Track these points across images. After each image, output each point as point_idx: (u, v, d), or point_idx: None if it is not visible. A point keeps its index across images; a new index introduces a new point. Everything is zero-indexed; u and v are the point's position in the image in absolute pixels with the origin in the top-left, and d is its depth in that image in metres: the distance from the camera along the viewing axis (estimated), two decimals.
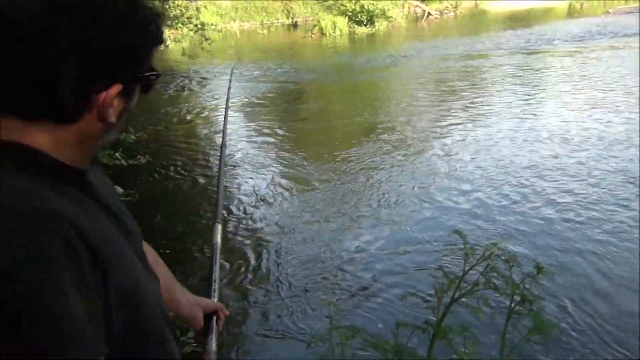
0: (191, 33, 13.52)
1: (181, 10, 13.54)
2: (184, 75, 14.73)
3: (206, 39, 13.23)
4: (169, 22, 13.56)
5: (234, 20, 29.47)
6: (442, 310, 1.79)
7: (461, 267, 1.85)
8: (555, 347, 2.94)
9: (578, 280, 3.79)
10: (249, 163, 6.96)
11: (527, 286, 1.77)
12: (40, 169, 0.73)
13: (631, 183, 5.49)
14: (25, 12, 0.70)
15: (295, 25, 29.16)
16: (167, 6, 13.46)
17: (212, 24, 25.72)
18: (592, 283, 3.75)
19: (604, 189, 5.42)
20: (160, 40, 0.82)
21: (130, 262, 0.82)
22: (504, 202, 5.27)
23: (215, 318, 1.28)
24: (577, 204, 5.11)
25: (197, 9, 15.58)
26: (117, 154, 6.10)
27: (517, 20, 25.65)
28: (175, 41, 15.48)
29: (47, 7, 0.70)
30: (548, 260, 3.92)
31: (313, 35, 23.67)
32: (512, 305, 1.81)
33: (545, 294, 3.24)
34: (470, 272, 1.83)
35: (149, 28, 0.79)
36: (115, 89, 0.76)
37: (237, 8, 30.36)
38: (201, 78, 14.04)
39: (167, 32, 16.33)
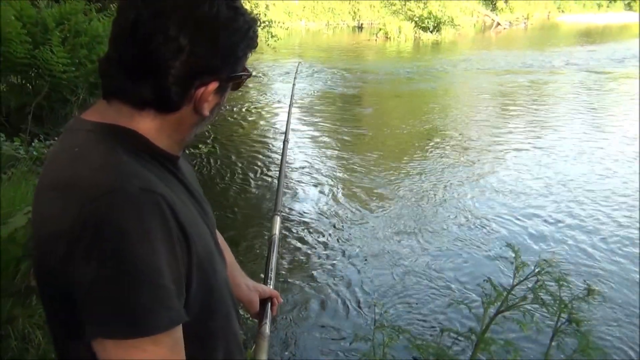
0: (258, 29, 13.79)
1: (250, 7, 13.84)
2: (249, 70, 14.99)
3: (272, 36, 13.45)
4: None
5: (301, 19, 29.77)
6: (487, 321, 1.82)
7: (510, 281, 1.87)
8: None
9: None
10: (307, 163, 7.05)
11: (576, 306, 1.78)
12: (142, 151, 0.84)
13: None
14: (146, 14, 0.80)
15: (360, 28, 29.16)
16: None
17: (278, 22, 26.12)
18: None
19: None
20: (255, 44, 0.91)
21: (207, 242, 0.91)
22: (563, 222, 5.20)
23: (269, 304, 1.36)
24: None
25: (267, 6, 15.89)
26: None
27: (590, 36, 24.81)
28: None
29: (164, 10, 0.80)
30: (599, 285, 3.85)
31: (377, 39, 23.63)
32: (559, 324, 1.82)
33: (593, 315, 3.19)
34: (519, 286, 1.86)
35: (248, 33, 0.88)
36: (213, 85, 0.86)
37: (304, 7, 30.66)
38: (265, 74, 14.31)
39: None
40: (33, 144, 4.94)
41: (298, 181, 6.34)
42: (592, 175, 6.58)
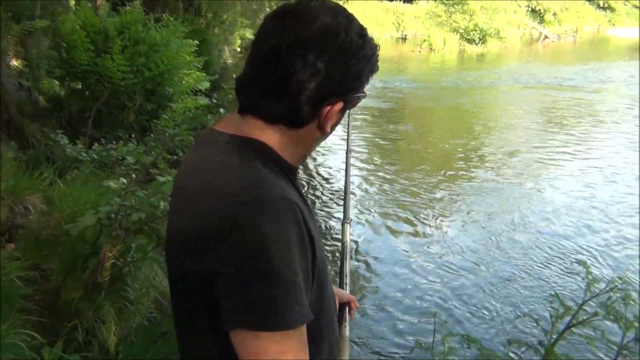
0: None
1: None
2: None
3: None
4: None
5: None
6: (556, 335, 1.82)
7: (574, 298, 1.87)
8: None
9: None
10: (353, 180, 7.04)
11: None
12: (272, 161, 0.92)
13: None
14: (288, 40, 0.88)
15: (404, 39, 29.10)
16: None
17: None
18: None
19: None
20: (377, 68, 0.98)
21: (322, 247, 0.97)
22: (623, 242, 5.14)
23: (347, 308, 1.41)
24: None
25: None
26: None
27: None
28: None
29: (304, 38, 0.88)
30: None
31: (421, 50, 23.56)
32: (624, 341, 1.81)
33: None
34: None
35: (372, 59, 0.96)
36: (338, 105, 0.93)
37: None
38: None
39: None
40: (93, 147, 5.14)
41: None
42: None
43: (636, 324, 1.75)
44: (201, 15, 15.84)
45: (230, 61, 17.23)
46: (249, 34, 18.10)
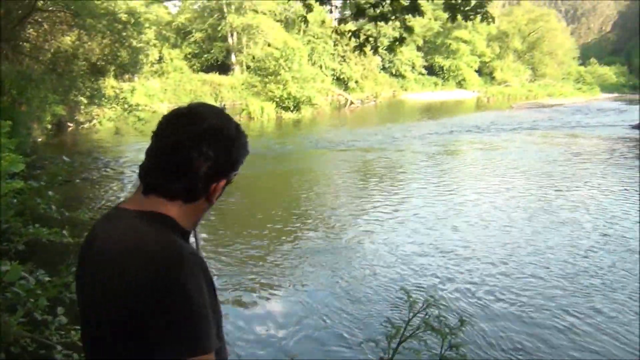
0: (125, 113, 13.78)
1: (115, 92, 13.86)
2: (118, 156, 14.91)
3: (140, 119, 13.47)
4: (103, 102, 13.77)
5: (162, 102, 29.83)
6: (392, 351, 2.21)
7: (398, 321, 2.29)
8: None
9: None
10: None
11: (455, 334, 2.24)
12: (174, 229, 1.16)
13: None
14: (185, 137, 1.15)
15: (222, 108, 29.80)
16: (98, 86, 13.74)
17: (139, 105, 25.84)
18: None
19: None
20: (248, 152, 1.27)
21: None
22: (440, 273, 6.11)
23: None
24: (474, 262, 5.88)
25: (133, 89, 15.94)
26: (64, 232, 6.11)
27: (432, 111, 27.98)
28: (108, 120, 15.62)
29: (198, 134, 1.15)
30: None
31: (241, 119, 24.42)
32: (442, 350, 2.26)
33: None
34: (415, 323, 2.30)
35: (246, 146, 1.25)
36: (222, 182, 1.21)
37: (165, 89, 30.91)
38: (133, 159, 14.27)
39: (98, 111, 16.44)
40: None
41: None
42: (450, 231, 7.54)
43: (449, 336, 2.23)
44: (3, 92, 14.78)
45: (40, 139, 16.22)
46: (61, 110, 17.30)
